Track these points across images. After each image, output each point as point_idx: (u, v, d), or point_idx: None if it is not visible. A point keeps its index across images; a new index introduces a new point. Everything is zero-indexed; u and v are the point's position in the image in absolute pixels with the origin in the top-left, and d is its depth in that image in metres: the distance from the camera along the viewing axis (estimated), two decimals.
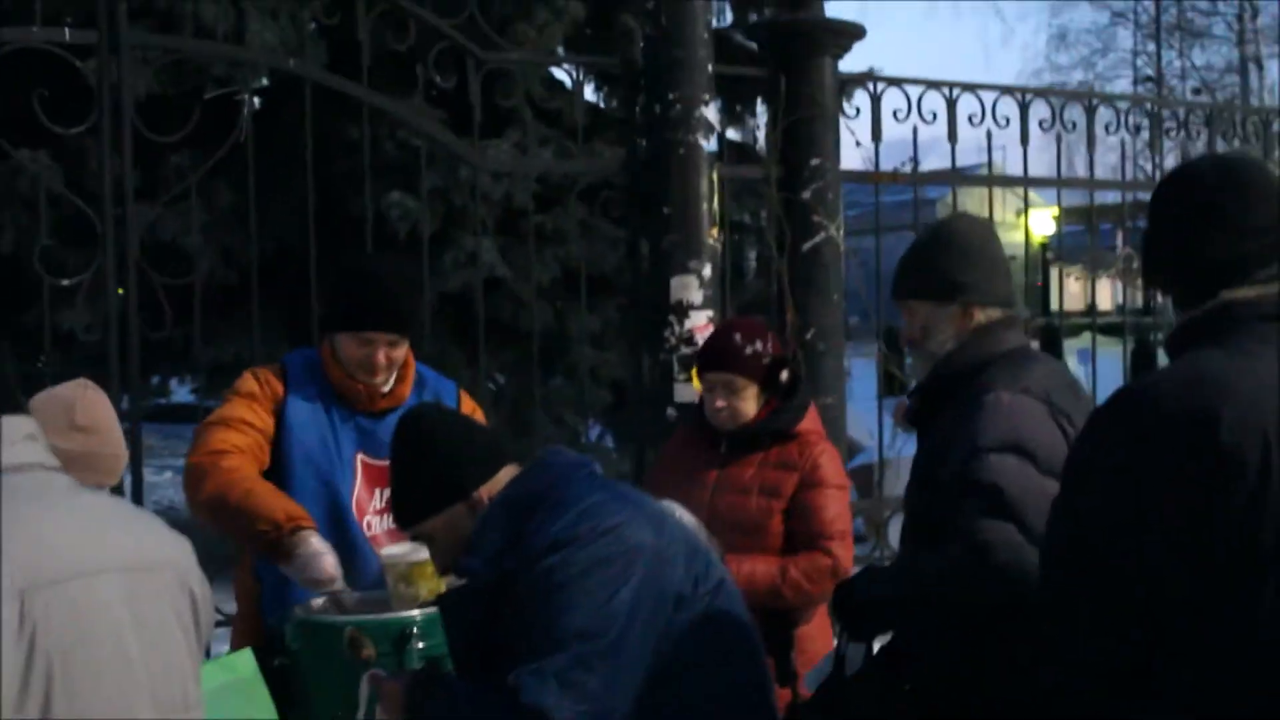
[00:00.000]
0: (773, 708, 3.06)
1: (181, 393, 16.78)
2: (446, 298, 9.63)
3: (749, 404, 4.23)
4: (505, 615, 2.92)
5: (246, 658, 3.60)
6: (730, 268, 10.98)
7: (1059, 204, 7.50)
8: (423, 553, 3.57)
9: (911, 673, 3.60)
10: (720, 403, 4.23)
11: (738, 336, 4.26)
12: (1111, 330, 15.73)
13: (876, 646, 3.68)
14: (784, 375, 4.26)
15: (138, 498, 5.42)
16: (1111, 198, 8.46)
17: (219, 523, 3.92)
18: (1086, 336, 11.99)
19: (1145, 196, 3.50)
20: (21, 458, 2.38)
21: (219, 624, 5.47)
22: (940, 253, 3.67)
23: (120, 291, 5.25)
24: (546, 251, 9.85)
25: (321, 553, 3.74)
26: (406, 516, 3.19)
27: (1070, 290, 28.20)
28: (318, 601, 3.76)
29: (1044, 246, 23.66)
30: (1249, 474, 2.44)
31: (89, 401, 3.48)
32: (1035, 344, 3.95)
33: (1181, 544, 2.46)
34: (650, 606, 2.85)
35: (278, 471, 4.00)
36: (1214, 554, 2.46)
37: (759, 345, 4.24)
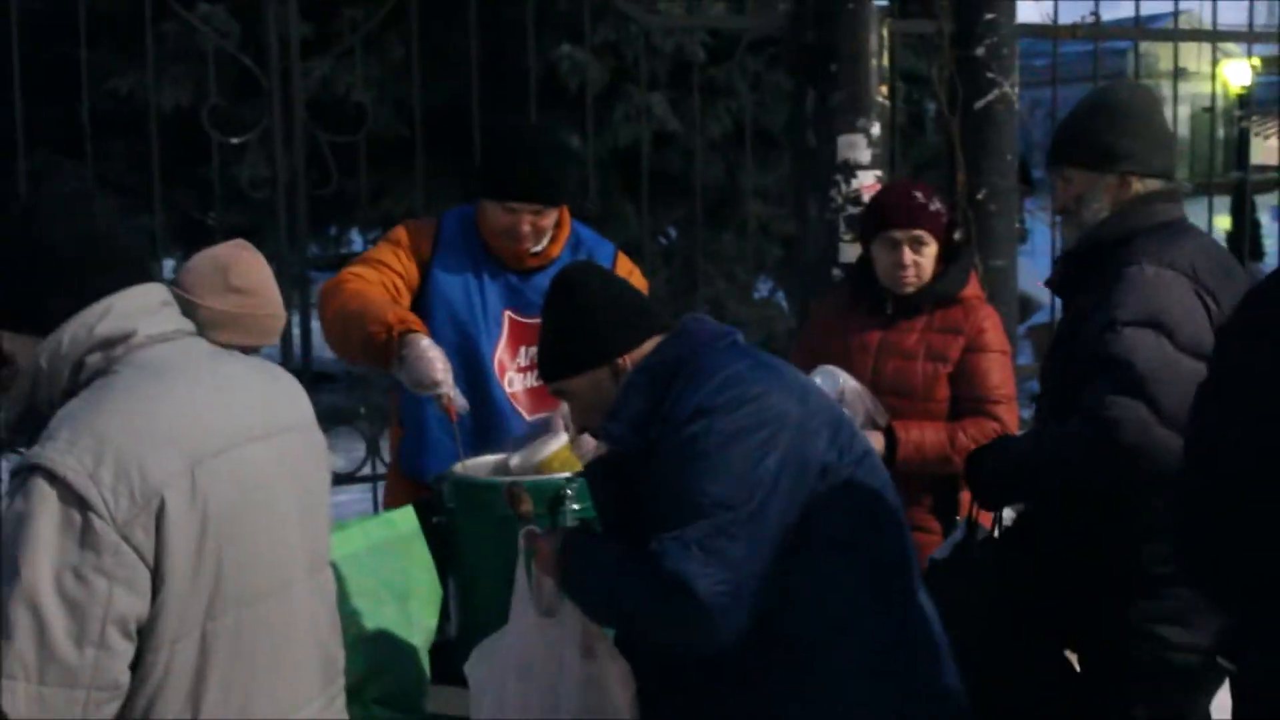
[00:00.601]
0: (911, 584, 3.01)
1: (360, 243, 17.15)
2: (617, 152, 9.61)
3: (930, 263, 4.18)
4: (649, 483, 2.92)
5: (407, 514, 3.67)
6: (908, 122, 10.88)
7: (1249, 55, 7.16)
8: (545, 449, 3.61)
9: (1035, 543, 3.57)
10: (910, 258, 4.16)
11: (919, 194, 4.21)
12: None
13: (1007, 516, 3.66)
14: (957, 235, 4.20)
15: (306, 350, 5.54)
16: None
17: (342, 337, 3.98)
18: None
19: None
20: (162, 326, 2.40)
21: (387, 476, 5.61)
22: (1100, 120, 3.56)
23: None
24: (719, 105, 9.76)
25: (429, 354, 3.76)
26: (549, 372, 3.20)
27: (1268, 145, 27.19)
28: (475, 461, 3.81)
29: (1241, 98, 22.82)
30: None
31: (245, 263, 3.52)
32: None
33: None
34: (794, 476, 2.82)
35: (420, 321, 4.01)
36: None
37: (937, 204, 4.19)
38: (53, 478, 2.14)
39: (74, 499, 2.14)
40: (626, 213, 9.72)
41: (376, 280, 4.04)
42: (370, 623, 3.38)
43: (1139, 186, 3.51)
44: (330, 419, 5.71)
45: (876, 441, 4.02)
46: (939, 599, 3.12)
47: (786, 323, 10.25)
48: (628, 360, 3.07)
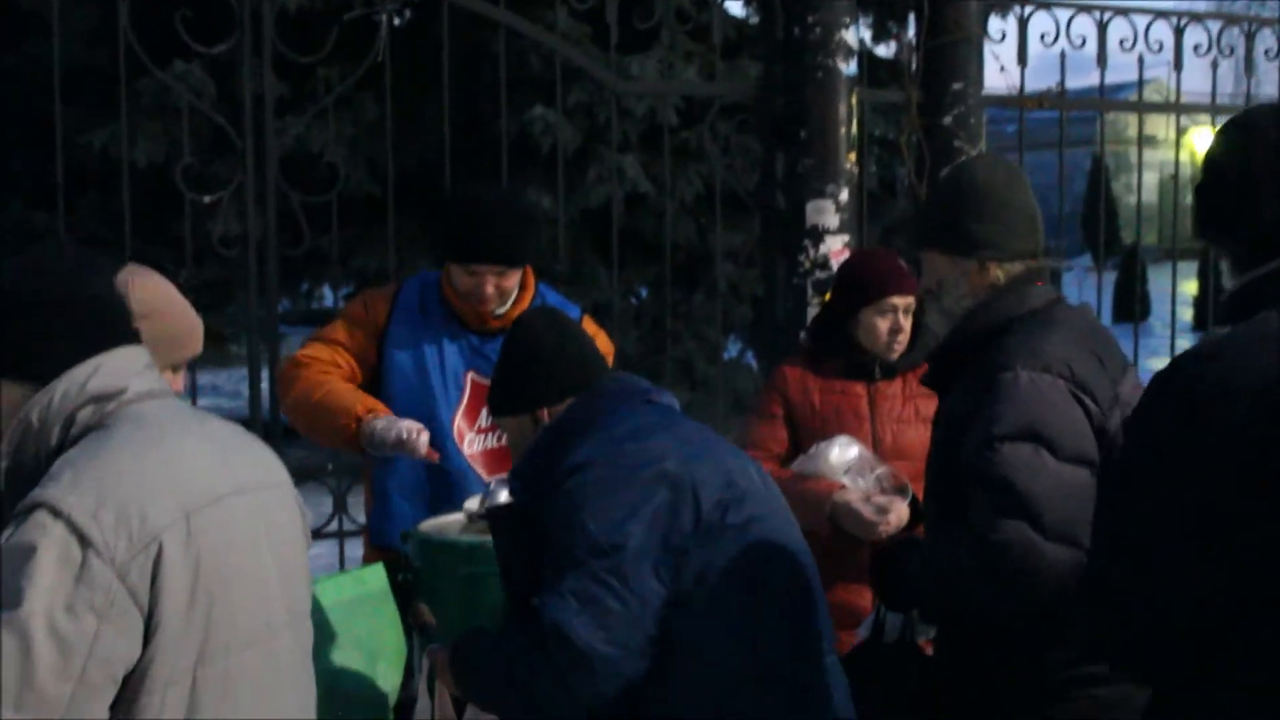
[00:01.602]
0: (801, 655, 3.01)
1: (331, 298, 17.27)
2: (589, 213, 9.69)
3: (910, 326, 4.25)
4: (543, 540, 2.97)
5: (377, 571, 3.70)
6: (879, 186, 10.99)
7: (1213, 124, 7.25)
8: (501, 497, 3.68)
9: (937, 650, 3.52)
10: (904, 324, 4.22)
11: (901, 261, 4.27)
12: None
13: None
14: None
15: (275, 406, 5.56)
16: None
17: (306, 424, 4.12)
18: None
19: None
20: (149, 385, 2.48)
21: (354, 532, 5.63)
22: (957, 203, 3.39)
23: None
24: (690, 167, 9.86)
25: (399, 420, 3.91)
26: (490, 406, 3.33)
27: None
28: (439, 520, 3.84)
29: None
30: None
31: (139, 287, 3.49)
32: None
33: (1248, 527, 2.29)
34: (665, 532, 2.84)
35: (374, 395, 4.12)
36: None
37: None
38: (56, 514, 2.20)
39: (75, 536, 2.20)
40: (598, 273, 9.80)
41: (330, 360, 4.14)
42: (339, 678, 3.40)
43: (998, 272, 3.35)
44: (299, 475, 5.75)
45: (899, 510, 4.04)
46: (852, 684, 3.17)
47: (755, 382, 10.27)
48: (546, 414, 3.14)
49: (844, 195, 5.74)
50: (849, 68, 5.76)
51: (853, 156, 5.80)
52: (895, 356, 4.24)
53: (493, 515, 3.23)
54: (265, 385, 5.55)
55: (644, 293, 11.67)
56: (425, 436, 3.91)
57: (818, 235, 5.71)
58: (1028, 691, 3.29)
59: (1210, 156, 2.63)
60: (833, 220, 5.72)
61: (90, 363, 2.41)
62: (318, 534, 5.77)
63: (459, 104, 8.72)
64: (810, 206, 5.70)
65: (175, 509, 2.31)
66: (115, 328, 2.51)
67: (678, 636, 2.85)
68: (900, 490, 4.07)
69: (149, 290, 3.50)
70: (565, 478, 2.94)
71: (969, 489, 3.17)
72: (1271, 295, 2.47)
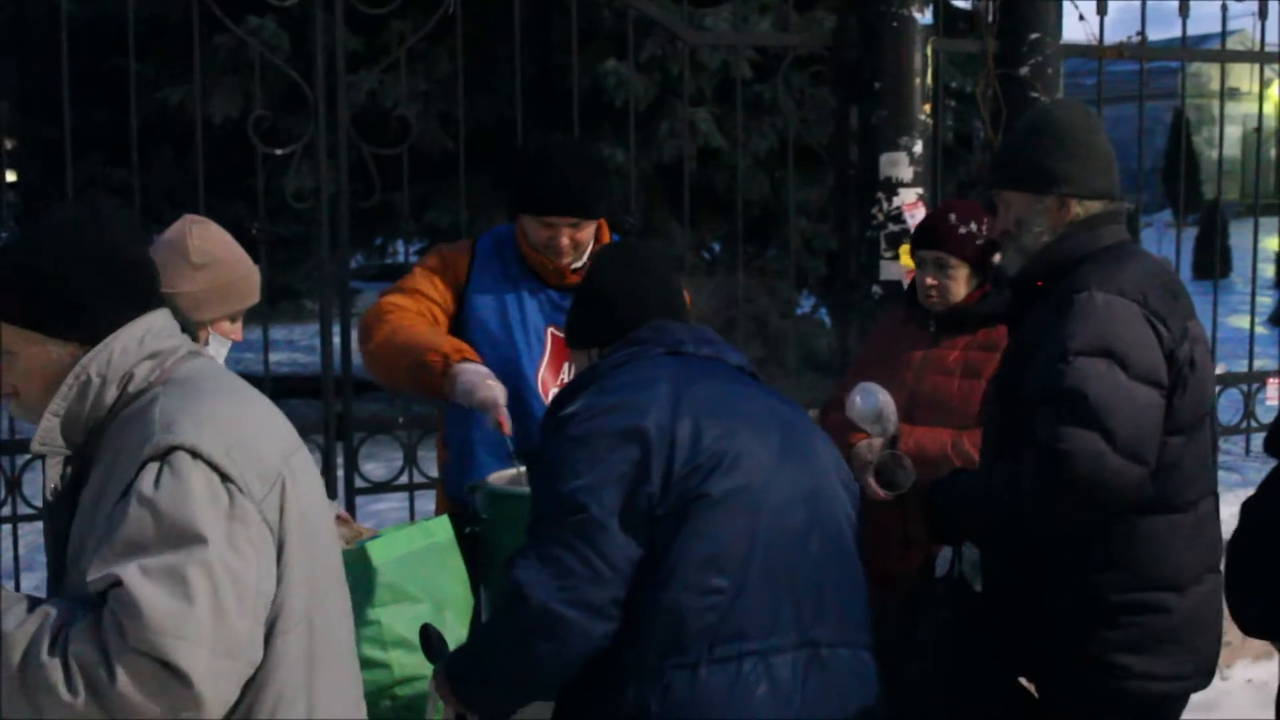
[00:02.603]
0: (800, 636, 2.85)
1: (404, 254, 17.35)
2: (661, 168, 9.63)
3: (959, 285, 4.18)
4: None
5: (443, 523, 3.72)
6: (956, 140, 10.85)
7: None
8: None
9: (990, 577, 3.53)
10: (931, 280, 4.18)
11: (952, 216, 4.21)
12: None
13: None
14: (996, 258, 4.16)
15: (346, 360, 5.59)
16: None
17: (389, 366, 4.06)
18: None
19: None
20: (190, 343, 2.52)
21: (424, 485, 5.66)
22: (1037, 142, 3.50)
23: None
24: (764, 121, 9.77)
25: (487, 377, 3.84)
26: (564, 337, 3.33)
27: None
28: (508, 473, 3.85)
29: None
30: None
31: (198, 237, 3.52)
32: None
33: None
34: (632, 492, 2.76)
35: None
36: None
37: (973, 226, 4.17)
38: (196, 455, 2.24)
39: (218, 475, 2.25)
40: (671, 228, 9.75)
41: (414, 310, 4.10)
42: (410, 626, 3.42)
43: (1079, 209, 3.45)
44: (370, 428, 5.80)
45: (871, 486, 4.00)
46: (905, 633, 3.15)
47: (828, 339, 10.22)
48: (596, 354, 3.12)
49: (918, 147, 5.69)
50: (924, 17, 5.70)
51: (927, 108, 5.74)
52: (935, 309, 4.20)
53: (527, 461, 3.22)
54: (337, 340, 5.58)
55: (717, 248, 11.61)
56: (504, 413, 3.83)
57: (891, 188, 5.66)
58: (1077, 615, 3.33)
59: None
60: (906, 173, 5.67)
61: (141, 322, 2.44)
62: (388, 487, 5.82)
63: (532, 58, 8.71)
64: (884, 159, 5.65)
65: (278, 451, 2.39)
66: (153, 288, 2.53)
67: (650, 600, 2.76)
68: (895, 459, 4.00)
69: (209, 240, 3.53)
70: (553, 430, 2.90)
71: (1038, 406, 3.24)
72: None
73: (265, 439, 2.37)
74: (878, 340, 4.46)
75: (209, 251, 3.49)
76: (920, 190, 5.70)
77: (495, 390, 3.82)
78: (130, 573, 2.16)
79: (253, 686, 2.30)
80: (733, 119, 6.89)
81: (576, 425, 2.84)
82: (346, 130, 5.40)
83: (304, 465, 2.47)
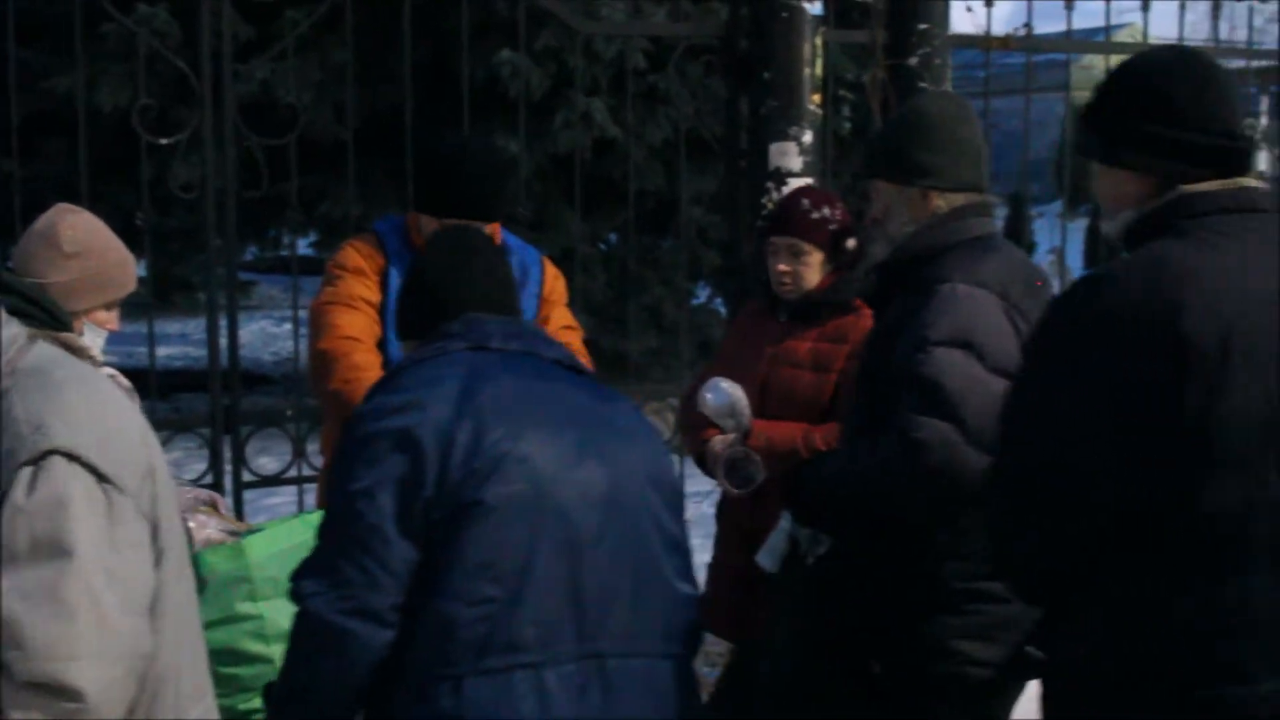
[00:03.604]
0: (569, 650, 2.75)
1: (299, 246, 17.19)
2: (557, 159, 9.63)
3: (813, 271, 4.13)
4: None
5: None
6: (852, 131, 10.95)
7: None
8: None
9: (840, 560, 3.57)
10: (783, 267, 4.13)
11: (805, 201, 4.18)
12: None
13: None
14: (850, 244, 4.16)
15: (234, 353, 5.54)
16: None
17: (340, 416, 4.01)
18: None
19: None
20: (24, 330, 2.40)
21: (312, 478, 5.62)
22: (904, 134, 3.56)
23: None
24: (659, 112, 9.79)
25: None
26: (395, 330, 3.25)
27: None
28: None
29: None
30: (1208, 365, 2.44)
31: (70, 226, 3.47)
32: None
33: (1137, 438, 2.47)
34: (407, 495, 2.67)
35: (387, 337, 4.13)
36: (1170, 449, 2.46)
37: (826, 211, 4.14)
38: (72, 457, 2.18)
39: (94, 475, 2.20)
40: (566, 219, 9.75)
41: (367, 332, 4.12)
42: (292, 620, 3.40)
43: (940, 202, 3.50)
44: (261, 421, 5.76)
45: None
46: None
47: (723, 328, 10.28)
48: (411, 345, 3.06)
49: (807, 137, 5.72)
50: (814, 7, 5.73)
51: (817, 98, 5.77)
52: (788, 297, 4.16)
53: None
54: (224, 331, 5.52)
55: (613, 239, 11.63)
56: None
57: (780, 178, 5.68)
58: (922, 600, 3.40)
59: (1114, 93, 2.76)
60: (796, 162, 5.69)
61: None
62: (277, 480, 5.78)
63: (427, 48, 8.68)
64: (773, 148, 5.67)
65: (139, 437, 2.33)
66: None
67: (422, 608, 2.68)
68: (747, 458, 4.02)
69: (80, 229, 3.48)
70: (346, 429, 2.84)
71: (898, 392, 3.29)
72: (1166, 225, 2.61)
73: (128, 427, 2.33)
74: (735, 333, 4.45)
75: (80, 240, 3.44)
76: (810, 180, 5.73)
77: None
78: (10, 601, 2.11)
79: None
80: (630, 109, 6.89)
81: (361, 425, 2.76)
82: (234, 120, 5.35)
83: (156, 442, 2.42)
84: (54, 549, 2.14)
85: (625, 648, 2.79)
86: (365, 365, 4.04)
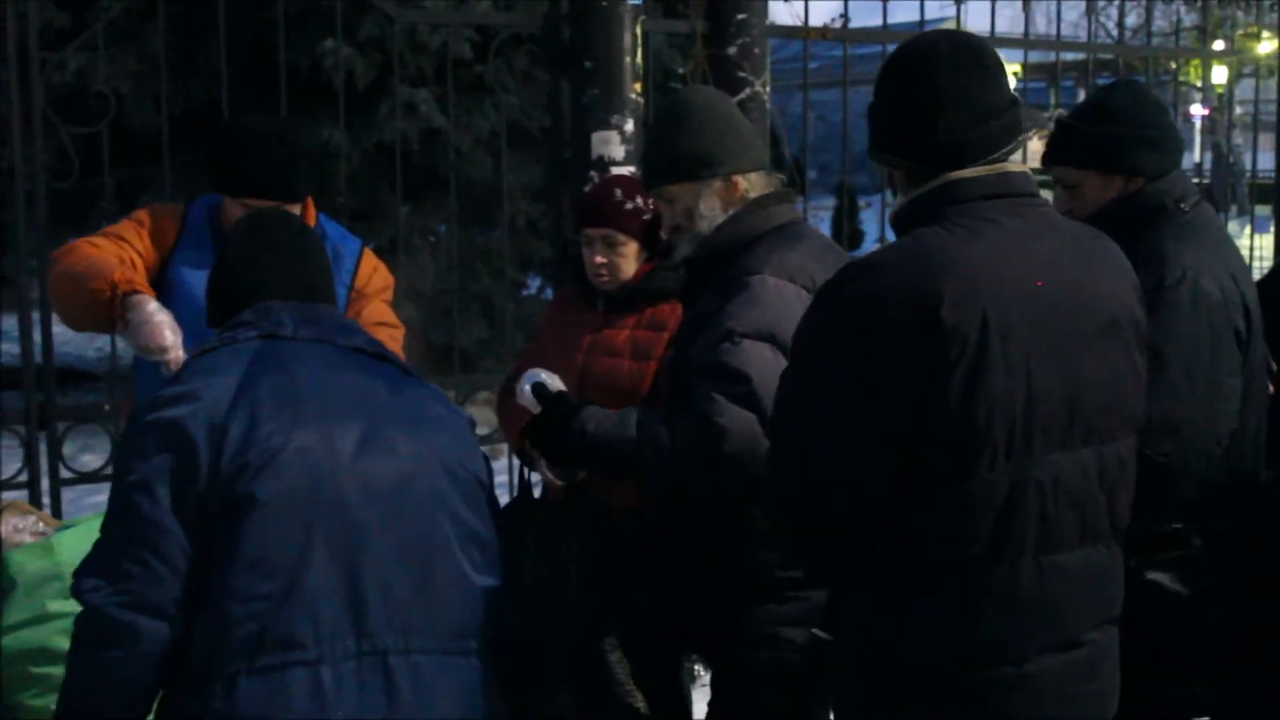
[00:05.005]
0: (345, 646, 2.71)
1: None
2: (384, 149, 9.55)
3: (629, 261, 4.09)
4: None
5: None
6: None
7: (1024, 61, 7.36)
8: None
9: (653, 548, 3.64)
10: (599, 259, 4.09)
11: (618, 192, 4.13)
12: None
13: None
14: (663, 233, 4.17)
15: (48, 348, 5.42)
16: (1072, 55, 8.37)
17: (66, 296, 3.94)
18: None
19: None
20: None
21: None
22: (685, 129, 3.55)
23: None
24: (485, 102, 9.77)
25: (157, 318, 3.72)
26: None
27: (1032, 149, 28.00)
28: None
29: None
30: (968, 351, 2.50)
31: None
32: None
33: (900, 424, 2.53)
34: (180, 488, 2.62)
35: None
36: (932, 434, 2.53)
37: (639, 201, 4.09)
38: None
39: None
40: (393, 209, 9.68)
41: (112, 251, 3.97)
42: None
43: (744, 184, 3.52)
44: (75, 417, 5.63)
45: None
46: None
47: None
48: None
49: (629, 126, 5.74)
50: None
51: (638, 87, 5.80)
52: (605, 287, 4.12)
53: None
54: (38, 333, 5.39)
55: (442, 229, 11.58)
56: (178, 353, 3.70)
57: (603, 167, 5.69)
58: (745, 588, 3.44)
59: (887, 79, 2.79)
60: (618, 151, 5.72)
61: None
62: (95, 477, 5.66)
63: (248, 37, 8.54)
64: (595, 137, 5.69)
65: None
66: None
67: (200, 606, 2.64)
68: None
69: None
70: (129, 420, 2.78)
71: (698, 380, 3.31)
72: (930, 213, 2.67)
73: None
74: (550, 323, 4.41)
75: None
76: (632, 169, 5.76)
77: (164, 331, 3.70)
78: None
79: None
80: (452, 100, 6.86)
81: (141, 416, 2.71)
82: (41, 109, 5.23)
83: None
84: None
85: (414, 644, 2.76)
86: (93, 251, 3.92)
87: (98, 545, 2.70)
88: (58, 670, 3.40)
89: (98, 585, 2.63)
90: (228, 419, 2.66)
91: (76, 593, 2.66)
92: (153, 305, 3.76)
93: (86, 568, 2.67)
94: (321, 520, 2.68)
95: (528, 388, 3.79)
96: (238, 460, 2.63)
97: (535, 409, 3.78)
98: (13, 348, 15.28)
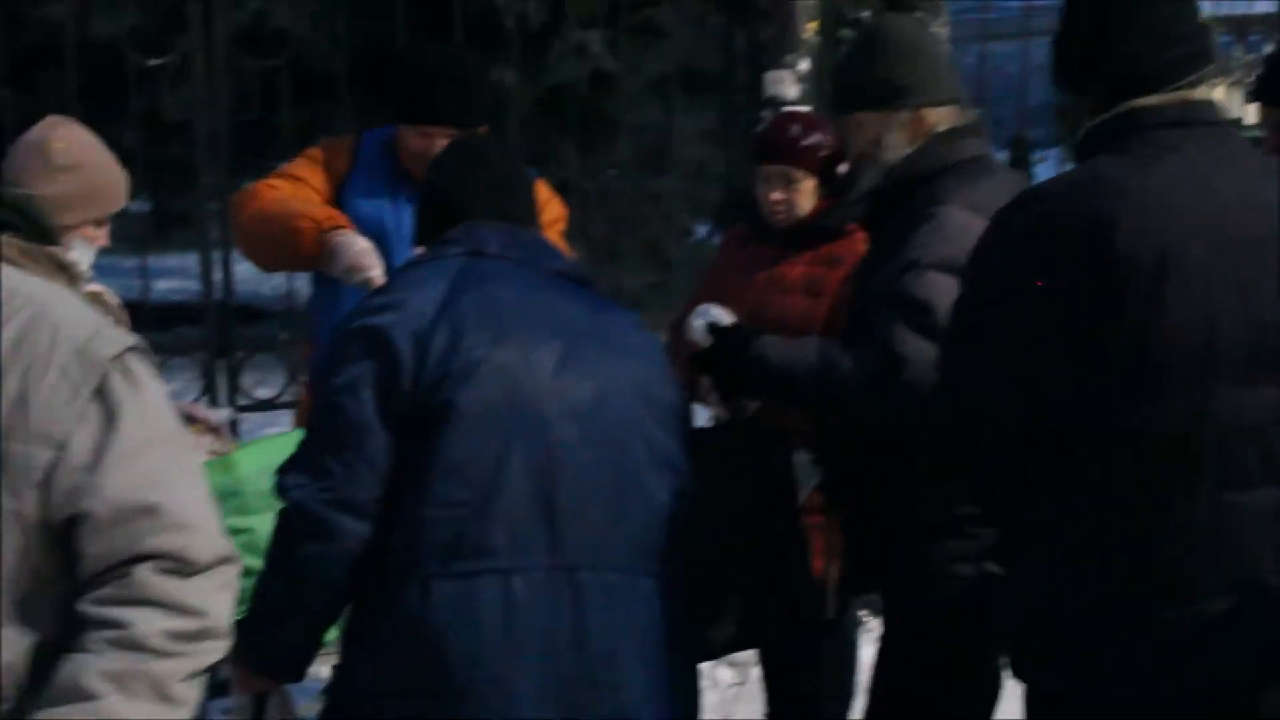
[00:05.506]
0: (526, 560, 2.74)
1: None
2: (556, 91, 9.55)
3: (805, 198, 4.04)
4: None
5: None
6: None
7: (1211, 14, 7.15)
8: None
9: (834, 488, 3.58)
10: (776, 195, 4.04)
11: (795, 128, 4.09)
12: None
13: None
14: (841, 169, 4.04)
15: (228, 284, 5.53)
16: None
17: (260, 239, 4.04)
18: None
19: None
20: None
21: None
22: (879, 57, 3.48)
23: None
24: (656, 45, 9.70)
25: (361, 244, 3.81)
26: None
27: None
28: None
29: None
30: (1144, 280, 2.43)
31: (61, 139, 3.40)
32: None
33: (1074, 351, 2.47)
34: (384, 392, 2.69)
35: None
36: (1107, 363, 2.46)
37: (817, 137, 4.04)
38: None
39: None
40: (562, 152, 9.69)
41: (292, 191, 4.04)
42: None
43: (934, 118, 3.44)
44: (251, 347, 5.75)
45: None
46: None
47: None
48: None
49: (804, 65, 5.66)
50: None
51: (813, 26, 5.71)
52: (780, 224, 4.07)
53: None
54: (218, 270, 5.50)
55: (611, 174, 11.55)
56: (379, 273, 3.77)
57: (777, 107, 5.62)
58: (927, 524, 3.37)
59: (1075, 3, 2.71)
60: (792, 90, 5.64)
61: None
62: (272, 404, 5.78)
63: None
64: (768, 76, 5.64)
65: None
66: None
67: (394, 508, 2.71)
68: None
69: (72, 141, 3.43)
70: (337, 326, 2.88)
71: (879, 308, 3.26)
72: (1109, 141, 2.59)
73: None
74: (723, 260, 4.36)
75: (72, 154, 3.40)
76: (808, 109, 5.68)
77: (368, 259, 3.78)
78: None
79: None
80: (627, 42, 6.84)
81: (349, 323, 2.81)
82: (225, 46, 5.31)
83: None
84: None
85: (602, 562, 2.78)
86: (280, 192, 4.01)
87: (303, 444, 2.79)
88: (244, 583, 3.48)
89: (301, 482, 2.71)
90: (431, 330, 2.72)
91: (281, 490, 2.74)
92: (357, 239, 3.85)
93: (291, 465, 2.76)
94: (520, 434, 2.73)
95: (699, 322, 3.75)
96: (440, 370, 2.70)
97: (707, 343, 3.75)
98: (190, 284, 15.77)
